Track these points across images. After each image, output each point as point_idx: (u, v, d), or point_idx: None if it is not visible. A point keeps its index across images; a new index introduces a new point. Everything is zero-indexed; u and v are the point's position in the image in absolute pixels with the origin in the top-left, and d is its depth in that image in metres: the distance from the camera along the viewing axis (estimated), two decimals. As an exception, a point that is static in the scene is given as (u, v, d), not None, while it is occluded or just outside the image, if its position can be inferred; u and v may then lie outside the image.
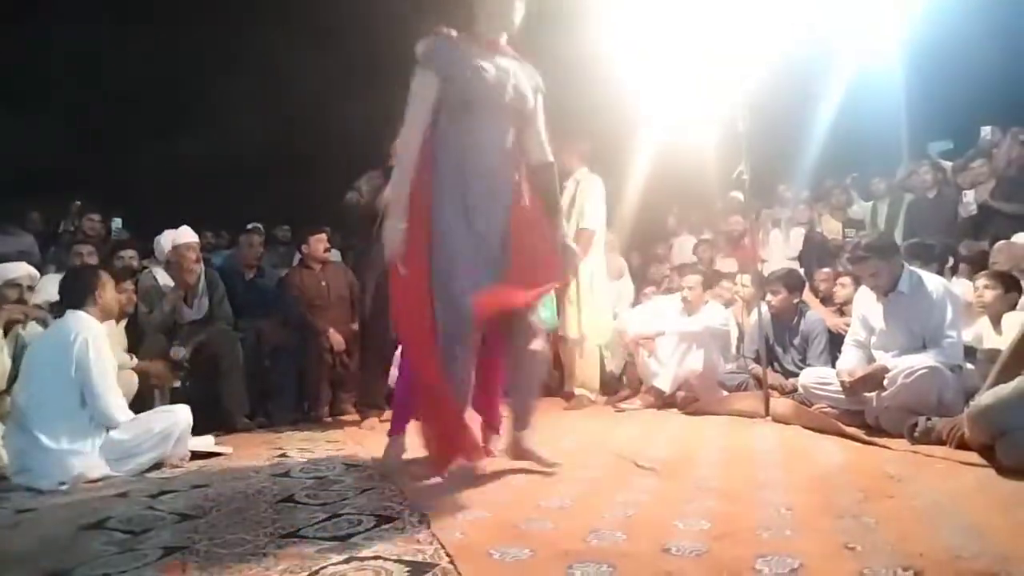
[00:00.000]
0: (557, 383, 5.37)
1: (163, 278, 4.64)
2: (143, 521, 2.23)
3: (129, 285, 3.98)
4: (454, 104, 2.43)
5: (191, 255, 4.66)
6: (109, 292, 3.28)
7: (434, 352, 2.38)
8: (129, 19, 7.73)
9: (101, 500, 2.57)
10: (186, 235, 4.71)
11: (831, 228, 6.83)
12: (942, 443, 2.79)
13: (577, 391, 4.90)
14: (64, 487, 2.82)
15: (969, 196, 5.84)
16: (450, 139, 2.45)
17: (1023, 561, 1.55)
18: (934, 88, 7.38)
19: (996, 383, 2.63)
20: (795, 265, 5.86)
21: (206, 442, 3.53)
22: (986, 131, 6.41)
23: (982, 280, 3.90)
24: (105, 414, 3.05)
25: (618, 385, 5.24)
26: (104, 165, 7.79)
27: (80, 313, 3.16)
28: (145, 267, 4.88)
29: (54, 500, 2.65)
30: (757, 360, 4.23)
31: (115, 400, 3.11)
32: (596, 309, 4.96)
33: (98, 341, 3.10)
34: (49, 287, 4.19)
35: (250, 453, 3.48)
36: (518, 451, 2.64)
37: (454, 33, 2.54)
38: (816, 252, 6.42)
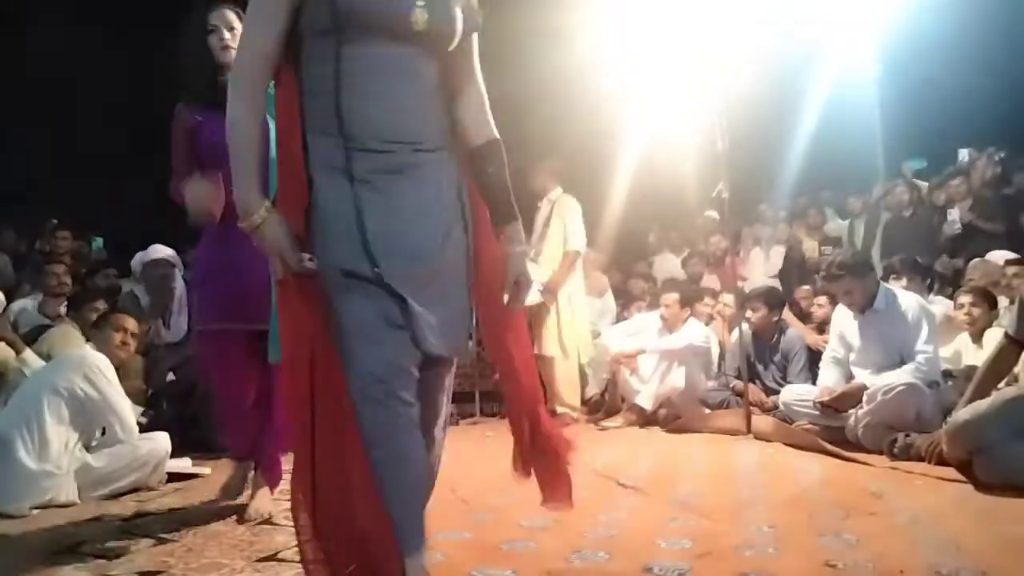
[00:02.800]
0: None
1: (144, 298, 4.59)
2: (117, 545, 2.19)
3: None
4: (321, 24, 1.43)
5: (158, 271, 4.60)
6: (104, 338, 3.27)
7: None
8: (109, 32, 7.65)
9: (74, 524, 2.52)
10: (155, 252, 4.65)
11: (808, 246, 6.90)
12: (921, 459, 2.82)
13: (559, 409, 4.89)
14: (35, 512, 2.76)
15: (954, 214, 5.92)
16: (322, 79, 1.45)
17: (1001, 575, 1.56)
18: (908, 108, 7.51)
19: (973, 399, 2.66)
20: (775, 283, 5.91)
21: (183, 464, 3.48)
22: (963, 153, 6.55)
23: (967, 297, 3.94)
24: (131, 430, 3.12)
25: (600, 403, 5.24)
26: (86, 182, 7.68)
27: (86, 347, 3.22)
28: (126, 288, 4.83)
29: (25, 525, 2.58)
30: (738, 377, 4.25)
31: (132, 414, 3.21)
32: (575, 327, 4.98)
33: (103, 367, 3.10)
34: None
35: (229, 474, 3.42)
36: None
37: None
38: (796, 270, 6.48)
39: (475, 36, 1.59)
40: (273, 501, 2.55)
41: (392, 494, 1.39)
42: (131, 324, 3.32)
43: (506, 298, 1.59)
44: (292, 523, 2.29)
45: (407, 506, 1.42)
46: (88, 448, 3.07)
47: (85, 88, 7.65)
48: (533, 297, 4.74)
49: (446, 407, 1.62)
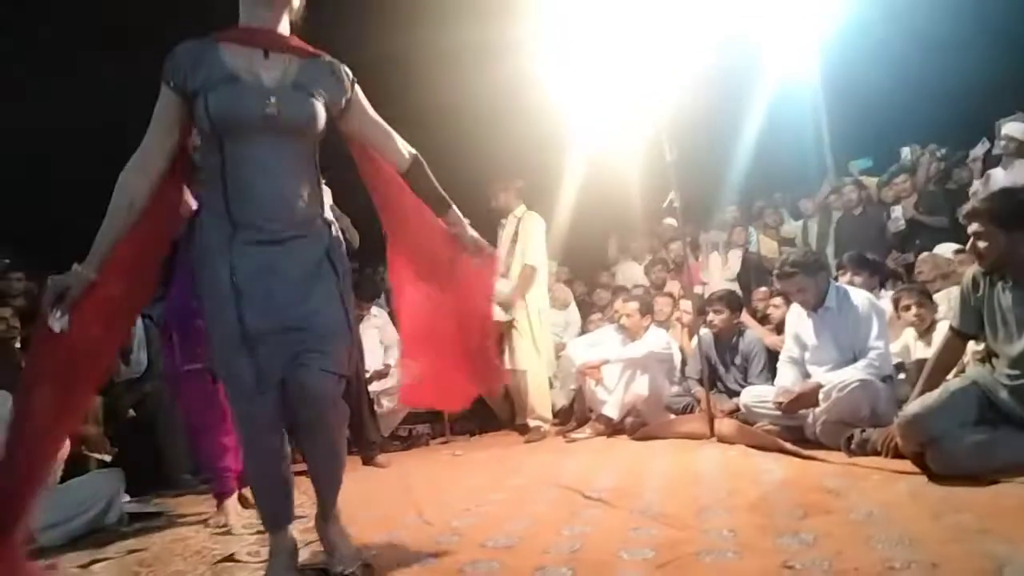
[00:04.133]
0: (509, 416, 5.37)
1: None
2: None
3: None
4: (205, 128, 1.84)
5: None
6: None
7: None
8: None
9: (29, 574, 2.45)
10: None
11: (768, 248, 7.02)
12: (877, 453, 2.86)
13: (531, 423, 4.90)
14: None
15: (897, 211, 6.10)
16: (210, 176, 1.90)
17: (950, 566, 1.60)
18: (851, 108, 7.71)
19: (923, 392, 2.72)
20: (735, 286, 6.00)
21: (144, 504, 3.41)
22: (906, 150, 6.75)
23: (913, 298, 3.99)
24: None
25: (569, 414, 5.26)
26: (40, 219, 7.45)
27: None
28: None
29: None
30: (700, 382, 4.29)
31: None
32: (543, 341, 5.02)
33: None
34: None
35: (192, 512, 3.37)
36: (324, 543, 2.09)
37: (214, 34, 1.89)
38: (753, 272, 6.58)
39: (359, 93, 2.03)
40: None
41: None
42: None
43: (475, 261, 2.16)
44: (255, 559, 2.29)
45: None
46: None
47: (40, 118, 7.44)
48: (500, 314, 4.77)
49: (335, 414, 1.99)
